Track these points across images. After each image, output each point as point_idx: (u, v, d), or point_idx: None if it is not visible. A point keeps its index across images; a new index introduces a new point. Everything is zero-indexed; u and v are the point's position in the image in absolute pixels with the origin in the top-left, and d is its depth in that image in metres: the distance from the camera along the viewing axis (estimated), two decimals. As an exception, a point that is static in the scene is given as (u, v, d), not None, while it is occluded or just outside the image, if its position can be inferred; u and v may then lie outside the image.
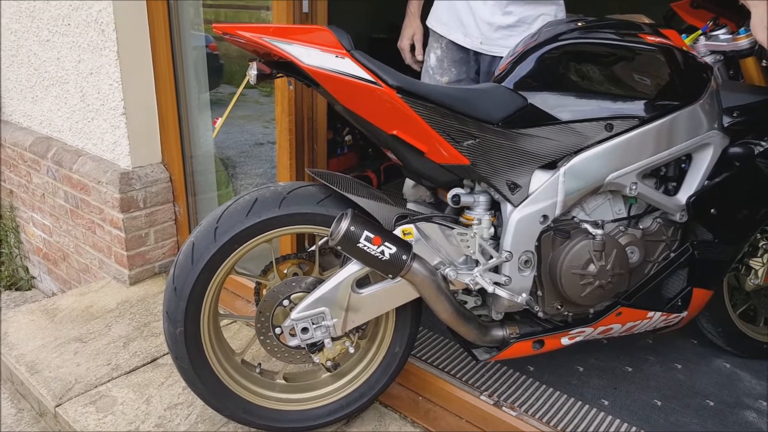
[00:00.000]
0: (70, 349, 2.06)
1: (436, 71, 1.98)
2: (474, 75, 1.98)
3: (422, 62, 2.07)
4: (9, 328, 2.19)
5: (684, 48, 1.61)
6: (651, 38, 1.56)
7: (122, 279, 2.56)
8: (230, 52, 2.76)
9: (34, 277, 3.40)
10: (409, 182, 2.04)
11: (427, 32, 2.05)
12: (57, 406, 1.78)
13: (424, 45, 2.07)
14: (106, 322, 2.24)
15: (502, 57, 1.86)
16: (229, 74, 2.71)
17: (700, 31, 1.75)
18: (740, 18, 1.72)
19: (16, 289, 3.39)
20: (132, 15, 2.36)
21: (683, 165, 1.68)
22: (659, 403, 1.80)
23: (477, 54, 1.92)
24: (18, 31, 2.87)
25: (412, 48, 2.09)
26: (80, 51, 2.53)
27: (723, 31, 1.72)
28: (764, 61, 1.75)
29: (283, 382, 1.68)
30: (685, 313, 1.75)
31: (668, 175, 1.68)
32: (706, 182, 1.65)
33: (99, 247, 2.65)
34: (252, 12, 2.54)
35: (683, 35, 1.70)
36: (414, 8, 2.06)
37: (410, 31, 2.06)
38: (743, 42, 1.69)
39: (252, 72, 1.42)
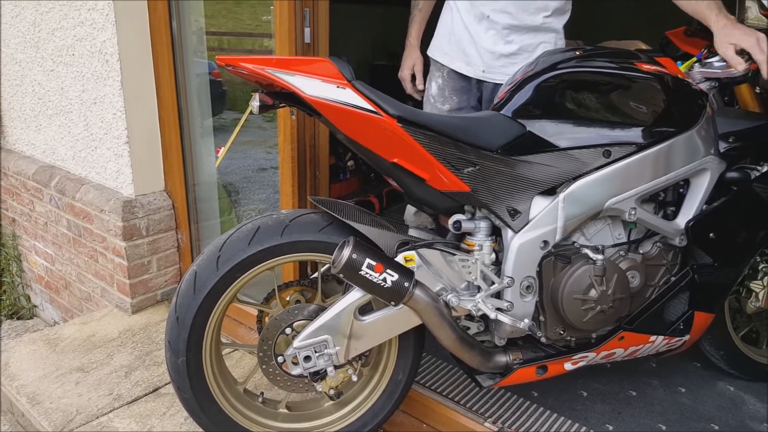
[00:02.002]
0: (72, 379, 2.05)
1: (437, 99, 2.02)
2: (475, 103, 2.01)
3: (423, 91, 2.11)
4: (10, 359, 2.18)
5: (679, 75, 1.64)
6: (647, 66, 1.59)
7: (124, 307, 2.56)
8: (233, 78, 2.78)
9: (35, 306, 3.39)
10: (410, 209, 2.05)
11: (427, 62, 2.09)
12: (58, 437, 1.77)
13: (425, 74, 2.11)
14: (108, 351, 2.23)
15: None
16: (232, 101, 2.74)
17: (695, 59, 1.78)
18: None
19: (18, 318, 3.39)
20: (136, 44, 2.40)
21: (681, 190, 1.70)
22: (664, 428, 1.79)
23: (479, 82, 1.96)
24: (23, 62, 2.91)
25: (413, 78, 2.12)
26: (84, 81, 2.56)
27: (717, 58, 1.74)
28: (757, 87, 1.77)
29: (285, 411, 1.67)
30: (687, 337, 1.75)
31: (667, 200, 1.69)
32: (704, 207, 1.67)
33: (101, 275, 2.66)
34: (255, 39, 2.58)
35: (678, 62, 1.73)
36: (413, 39, 2.10)
37: (410, 61, 2.10)
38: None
39: (255, 103, 1.44)
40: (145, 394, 1.97)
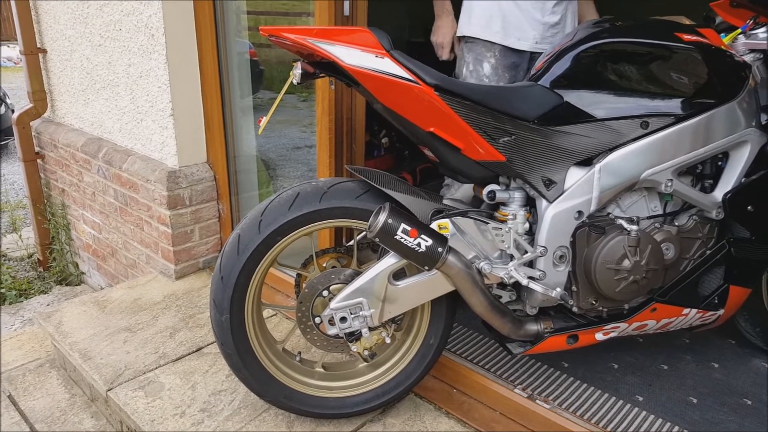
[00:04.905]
0: (120, 338, 2.16)
1: (492, 79, 2.07)
2: (523, 77, 2.08)
3: (453, 60, 2.15)
4: (63, 318, 2.31)
5: (721, 46, 1.62)
6: (687, 37, 1.57)
7: (168, 273, 2.66)
8: (269, 58, 2.86)
9: (83, 273, 3.55)
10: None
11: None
12: (108, 390, 1.88)
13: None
14: (153, 313, 2.34)
15: None
16: (269, 80, 2.80)
17: (739, 30, 1.75)
18: (781, 16, 1.71)
19: (67, 284, 3.56)
20: (180, 20, 2.47)
21: (720, 162, 1.69)
22: (695, 401, 1.80)
23: (531, 54, 2.04)
24: (72, 37, 3.02)
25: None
26: (131, 55, 2.65)
27: (763, 29, 1.71)
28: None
29: (322, 370, 1.74)
30: (721, 311, 1.75)
31: (704, 173, 1.68)
32: (743, 179, 1.65)
33: (146, 243, 2.77)
34: (291, 18, 2.63)
35: (722, 35, 1.71)
36: (449, 6, 2.14)
37: (449, 29, 2.14)
38: None
39: (297, 71, 1.49)
40: (189, 353, 2.06)
